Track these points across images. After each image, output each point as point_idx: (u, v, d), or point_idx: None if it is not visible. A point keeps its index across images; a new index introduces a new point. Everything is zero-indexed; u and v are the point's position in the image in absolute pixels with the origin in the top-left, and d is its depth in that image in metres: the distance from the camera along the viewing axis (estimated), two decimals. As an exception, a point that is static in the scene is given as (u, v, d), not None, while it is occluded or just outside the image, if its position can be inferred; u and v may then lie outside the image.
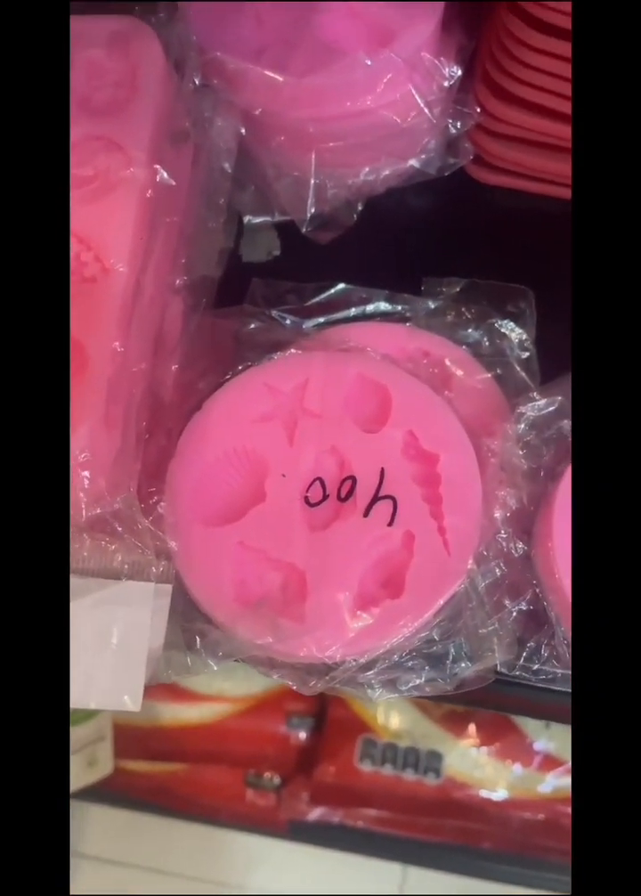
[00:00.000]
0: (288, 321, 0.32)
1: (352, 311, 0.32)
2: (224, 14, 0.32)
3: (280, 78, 0.30)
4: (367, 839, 0.63)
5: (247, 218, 0.33)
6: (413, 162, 0.32)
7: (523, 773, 0.62)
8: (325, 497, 0.26)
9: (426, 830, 0.63)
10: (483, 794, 0.63)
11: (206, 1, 0.32)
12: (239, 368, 0.29)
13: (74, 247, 0.26)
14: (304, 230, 0.32)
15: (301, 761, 0.65)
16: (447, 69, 0.31)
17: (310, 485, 0.26)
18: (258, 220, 0.34)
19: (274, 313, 0.32)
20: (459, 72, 0.31)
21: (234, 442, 0.27)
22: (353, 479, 0.26)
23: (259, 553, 0.25)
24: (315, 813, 0.64)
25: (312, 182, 0.32)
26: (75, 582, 0.22)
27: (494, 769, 0.64)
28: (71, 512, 0.23)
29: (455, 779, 0.65)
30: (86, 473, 0.23)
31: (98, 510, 0.23)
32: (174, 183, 0.27)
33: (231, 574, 0.25)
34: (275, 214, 0.34)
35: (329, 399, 0.28)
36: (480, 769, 0.64)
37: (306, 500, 0.26)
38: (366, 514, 0.26)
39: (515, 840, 0.63)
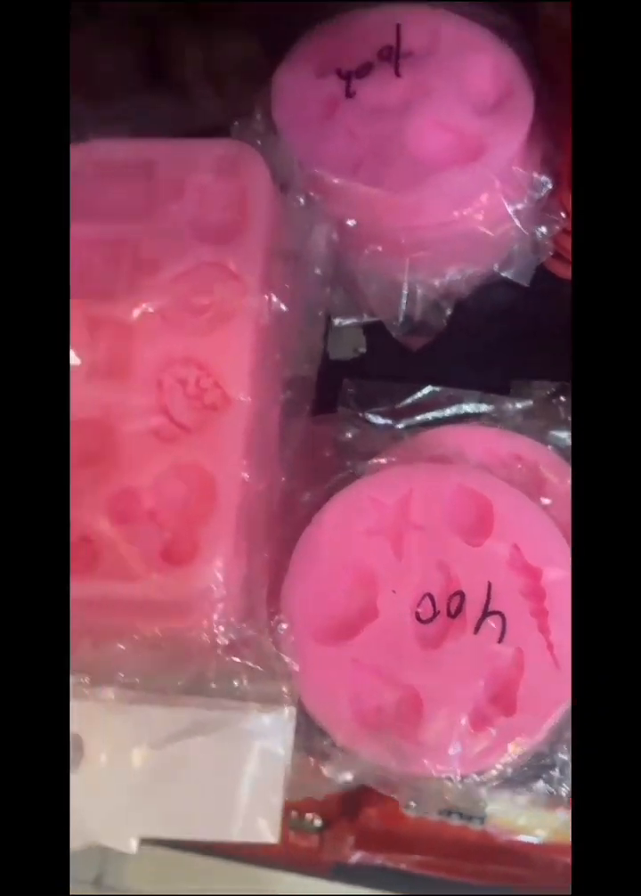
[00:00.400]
0: (380, 422, 0.33)
1: (443, 412, 0.33)
2: (319, 130, 0.33)
3: (377, 193, 0.32)
4: (410, 882, 0.63)
5: (336, 320, 0.35)
6: (498, 267, 0.34)
7: (567, 818, 0.63)
8: (435, 614, 0.27)
9: (470, 874, 0.64)
10: (527, 839, 0.63)
11: (298, 114, 0.34)
12: (340, 476, 0.31)
13: (194, 372, 0.27)
14: (394, 334, 0.33)
15: (345, 804, 0.65)
16: (536, 180, 0.32)
17: (420, 601, 0.27)
18: (347, 321, 0.35)
19: (367, 415, 0.33)
20: (550, 184, 0.32)
21: (344, 557, 0.28)
22: (462, 594, 0.27)
23: (374, 671, 0.26)
24: (358, 856, 0.65)
25: (404, 288, 0.33)
26: (208, 713, 0.23)
27: (538, 816, 0.64)
28: (205, 640, 0.24)
29: (499, 825, 0.65)
30: (220, 605, 0.24)
31: (230, 638, 0.24)
32: (285, 309, 0.28)
33: (349, 693, 0.26)
34: (364, 315, 0.35)
35: (433, 511, 0.29)
36: (524, 815, 0.64)
37: (417, 616, 0.27)
38: (476, 630, 0.27)
39: (558, 885, 0.63)
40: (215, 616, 0.24)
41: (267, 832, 0.22)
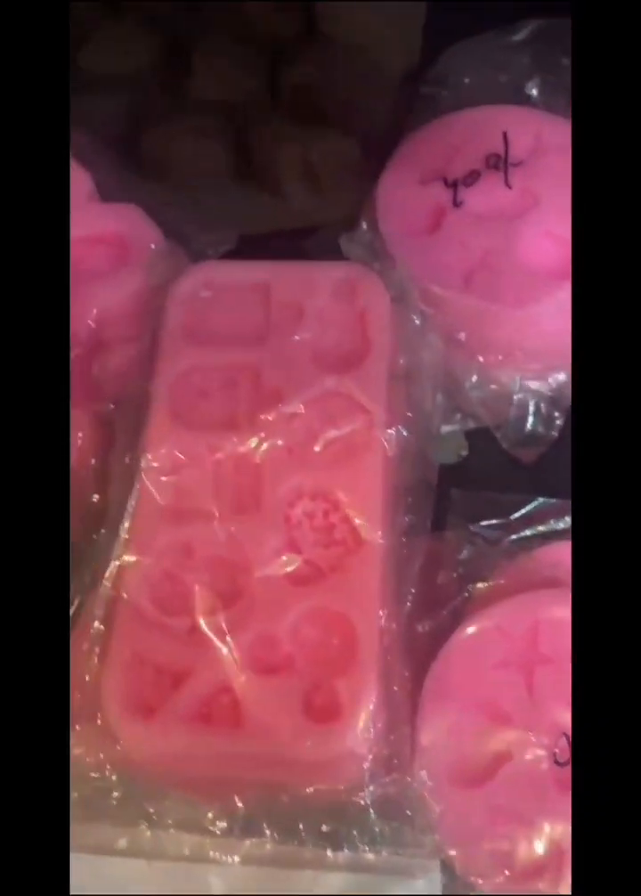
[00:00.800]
0: (491, 536, 0.32)
1: (555, 526, 0.33)
2: (428, 242, 0.32)
3: (492, 307, 0.31)
4: None
5: (444, 428, 0.34)
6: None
7: None
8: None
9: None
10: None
11: (405, 224, 0.33)
12: (457, 601, 0.30)
13: (321, 506, 0.27)
14: (506, 446, 0.33)
15: None
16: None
17: (557, 741, 0.27)
18: (450, 428, 0.35)
19: (477, 528, 0.33)
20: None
21: (475, 694, 0.27)
22: (598, 733, 0.27)
23: (513, 815, 0.26)
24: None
25: (515, 397, 0.33)
26: (359, 878, 0.22)
27: None
28: (349, 797, 0.23)
29: None
30: (369, 755, 0.23)
31: (374, 793, 0.23)
32: (411, 437, 0.28)
33: (489, 839, 0.25)
34: (469, 421, 0.35)
35: (560, 643, 0.28)
36: None
37: (555, 758, 0.27)
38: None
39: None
40: (361, 774, 0.24)
41: None
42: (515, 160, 0.33)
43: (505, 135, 0.34)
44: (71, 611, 0.30)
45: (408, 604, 0.29)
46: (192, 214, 0.37)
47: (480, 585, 0.30)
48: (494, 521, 0.33)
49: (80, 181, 0.36)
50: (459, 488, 0.33)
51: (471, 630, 0.28)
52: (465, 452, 0.36)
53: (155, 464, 0.27)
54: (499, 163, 0.33)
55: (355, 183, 0.38)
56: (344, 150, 0.38)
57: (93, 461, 0.32)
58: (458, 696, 0.27)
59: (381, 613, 0.25)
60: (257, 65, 0.43)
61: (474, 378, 0.34)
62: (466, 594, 0.30)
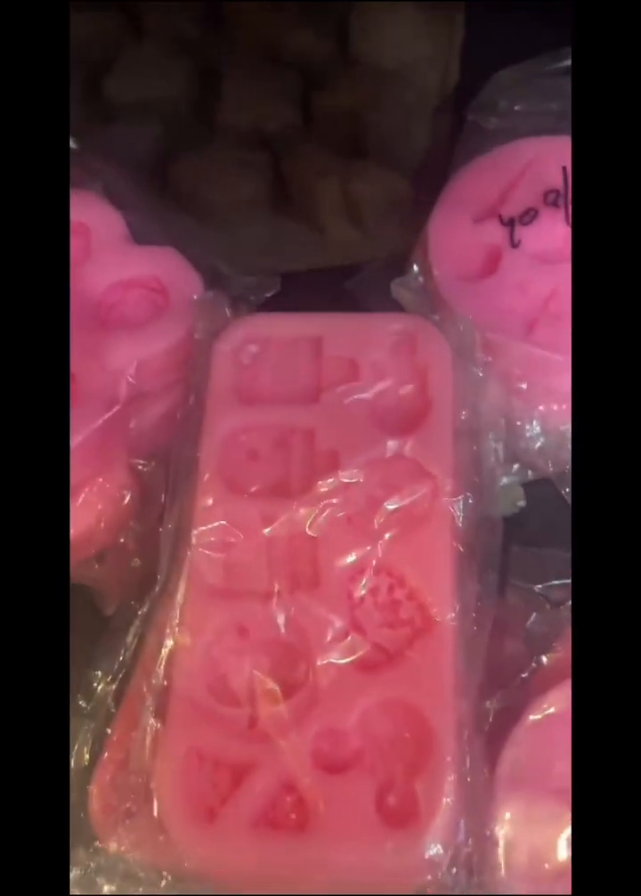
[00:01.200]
0: (555, 597, 0.31)
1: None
2: (486, 287, 0.31)
3: (556, 357, 0.30)
4: None
5: (503, 480, 0.33)
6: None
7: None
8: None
9: None
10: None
11: (459, 267, 0.32)
12: (526, 674, 0.28)
13: (385, 581, 0.25)
14: (563, 493, 0.31)
15: None
16: None
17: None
18: (508, 479, 0.33)
19: (541, 588, 0.31)
20: None
21: (553, 779, 0.25)
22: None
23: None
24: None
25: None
26: None
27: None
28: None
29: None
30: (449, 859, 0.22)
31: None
32: (477, 501, 0.26)
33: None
34: (528, 472, 0.33)
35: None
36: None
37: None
38: None
39: None
40: (440, 879, 0.22)
41: None
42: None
43: (564, 169, 0.32)
44: (110, 689, 0.28)
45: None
46: (229, 250, 0.35)
47: (550, 655, 0.29)
48: (560, 581, 0.31)
49: (113, 223, 0.34)
50: (521, 544, 0.32)
51: (544, 711, 0.27)
52: (522, 503, 0.35)
53: (206, 539, 0.25)
54: (559, 199, 0.32)
55: (399, 217, 0.37)
56: (386, 183, 0.36)
57: (134, 524, 0.31)
58: (535, 783, 0.25)
59: (458, 703, 0.23)
60: (290, 91, 0.41)
61: (536, 427, 0.32)
62: (535, 665, 0.29)
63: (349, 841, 0.22)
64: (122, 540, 0.30)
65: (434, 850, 0.21)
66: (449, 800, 0.22)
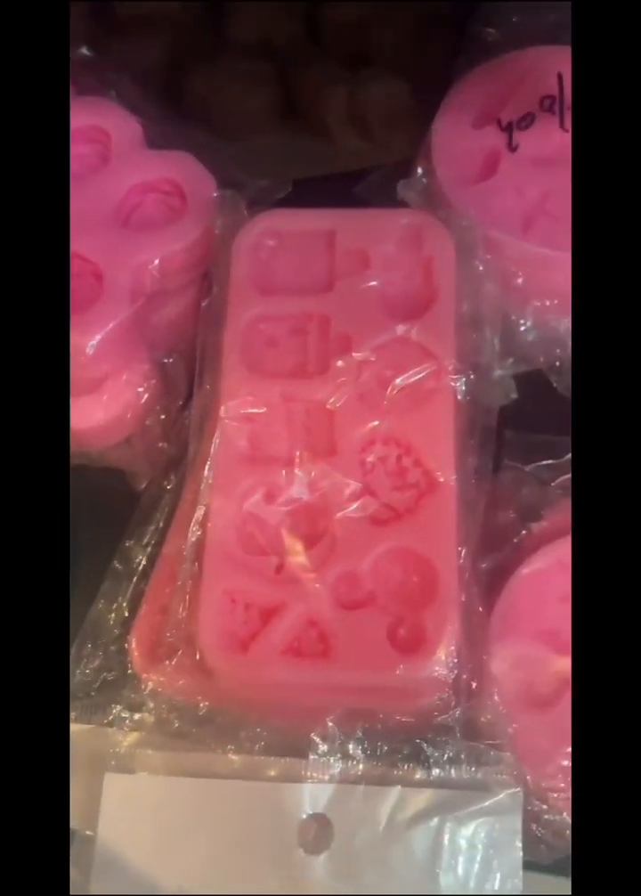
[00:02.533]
0: (546, 476, 0.33)
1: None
2: (485, 188, 0.33)
3: (551, 253, 0.32)
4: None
5: (497, 372, 0.35)
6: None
7: None
8: None
9: None
10: None
11: (461, 170, 0.33)
12: (517, 539, 0.31)
13: (394, 451, 0.28)
14: (560, 389, 0.34)
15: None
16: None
17: (618, 667, 0.28)
18: (501, 372, 0.35)
19: (532, 468, 0.34)
20: None
21: (539, 626, 0.29)
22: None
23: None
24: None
25: (569, 341, 0.33)
26: (441, 794, 0.24)
27: None
28: (432, 720, 0.25)
29: None
30: (451, 681, 0.25)
31: (460, 712, 0.25)
32: (475, 380, 0.29)
33: (557, 759, 0.27)
34: (521, 364, 0.35)
35: (620, 575, 0.29)
36: None
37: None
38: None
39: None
40: (444, 699, 0.25)
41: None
42: (570, 103, 0.33)
43: (560, 76, 0.33)
44: (144, 553, 0.31)
45: (470, 543, 0.31)
46: (239, 160, 0.37)
47: (538, 523, 0.32)
48: (548, 461, 0.34)
49: (130, 128, 0.36)
50: (513, 430, 0.34)
51: (534, 566, 0.30)
52: (514, 395, 0.37)
53: (233, 411, 0.28)
54: (555, 105, 0.33)
55: (405, 125, 0.38)
56: (392, 92, 0.38)
57: (159, 410, 0.34)
58: (524, 629, 0.29)
59: (460, 551, 0.26)
60: (296, 7, 0.42)
61: (529, 322, 0.34)
62: (525, 532, 0.32)
63: (366, 666, 0.25)
64: (148, 423, 0.33)
65: (440, 671, 0.25)
66: (452, 627, 0.25)
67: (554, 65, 0.34)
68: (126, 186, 0.34)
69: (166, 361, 0.34)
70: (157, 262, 0.32)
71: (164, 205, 0.35)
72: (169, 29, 0.41)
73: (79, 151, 0.36)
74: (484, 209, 0.32)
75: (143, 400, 0.33)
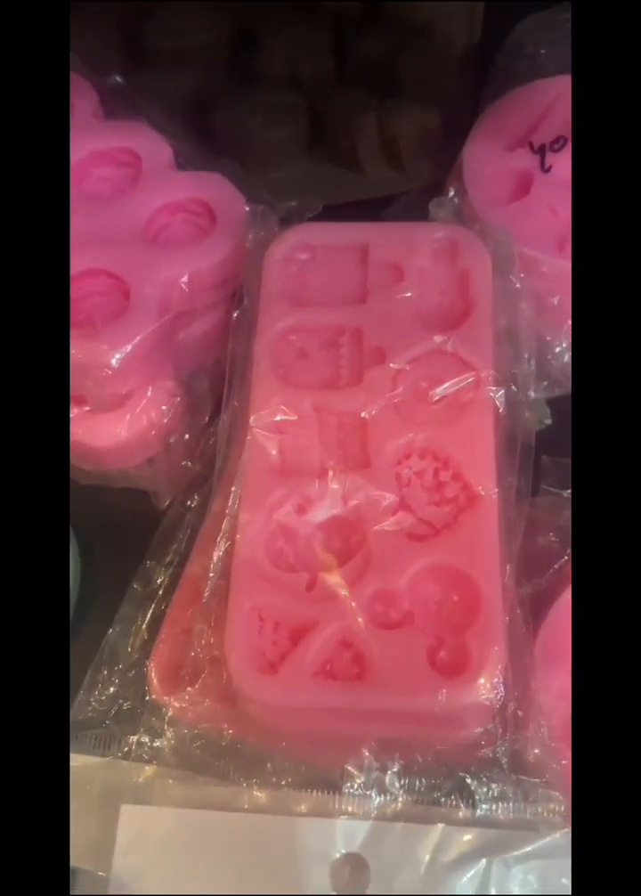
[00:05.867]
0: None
1: None
2: (519, 208, 0.33)
3: (587, 272, 0.31)
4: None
5: (531, 393, 0.34)
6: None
7: None
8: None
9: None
10: None
11: (493, 192, 0.33)
12: (560, 563, 0.30)
13: (431, 465, 0.27)
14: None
15: None
16: None
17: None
18: (537, 394, 0.34)
19: (568, 494, 0.32)
20: None
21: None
22: None
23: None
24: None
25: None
26: (486, 834, 0.22)
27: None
28: (479, 752, 0.23)
29: None
30: (495, 716, 0.23)
31: (506, 743, 0.23)
32: (517, 395, 0.28)
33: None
34: (555, 389, 0.34)
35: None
36: None
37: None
38: None
39: None
40: (489, 729, 0.23)
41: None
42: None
43: (592, 101, 0.34)
44: (166, 574, 0.30)
45: (512, 568, 0.29)
46: (270, 188, 0.37)
47: (580, 548, 0.30)
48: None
49: (161, 150, 0.36)
50: (549, 455, 0.33)
51: (579, 590, 0.28)
52: (549, 421, 0.36)
53: (263, 421, 0.27)
54: (587, 128, 0.34)
55: (434, 153, 0.38)
56: (421, 120, 0.38)
57: (183, 428, 0.33)
58: (570, 658, 0.27)
59: (505, 568, 0.25)
60: (323, 42, 0.43)
61: (564, 344, 0.34)
62: (567, 558, 0.30)
63: (405, 689, 0.23)
64: (172, 441, 0.32)
65: (485, 696, 0.23)
66: (498, 650, 0.23)
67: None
68: (155, 205, 0.34)
69: (191, 378, 0.33)
70: (186, 278, 0.32)
71: (193, 225, 0.35)
72: (199, 63, 0.42)
73: (109, 173, 0.36)
74: (518, 228, 0.32)
75: (168, 418, 0.33)
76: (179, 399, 0.32)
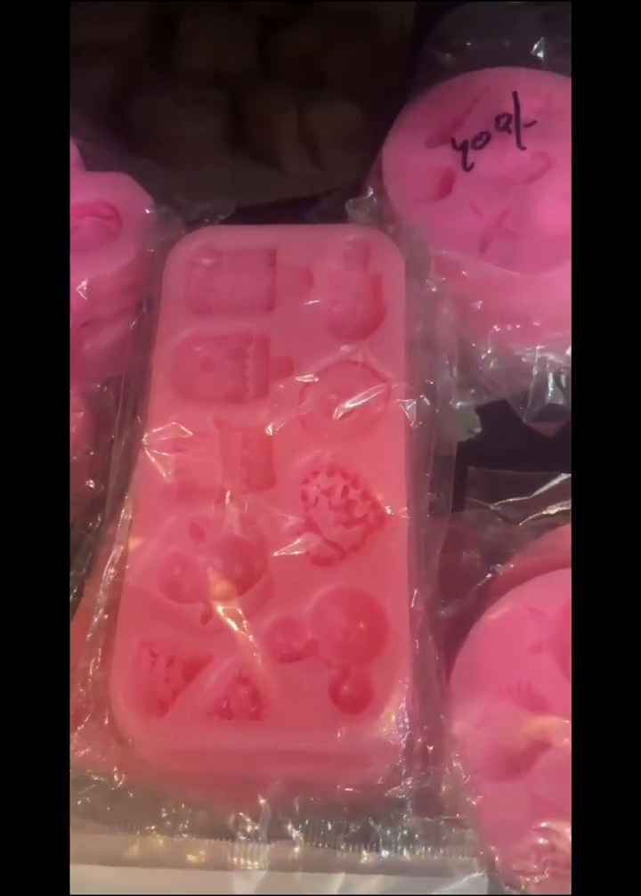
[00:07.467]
0: (513, 515, 0.31)
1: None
2: (439, 207, 0.31)
3: (510, 274, 0.30)
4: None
5: (456, 403, 0.33)
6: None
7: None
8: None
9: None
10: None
11: (414, 190, 0.32)
12: (483, 582, 0.28)
13: (339, 482, 0.25)
14: (525, 420, 0.32)
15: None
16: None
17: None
18: (462, 403, 0.33)
19: (497, 507, 0.31)
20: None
21: (508, 678, 0.25)
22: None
23: (556, 808, 0.24)
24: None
25: (534, 369, 0.31)
26: (392, 881, 0.20)
27: None
28: (382, 792, 0.22)
29: None
30: (403, 746, 0.21)
31: (412, 782, 0.21)
32: (430, 405, 0.26)
33: (530, 834, 0.24)
34: (483, 396, 0.33)
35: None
36: None
37: (595, 744, 0.25)
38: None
39: None
40: (395, 767, 0.22)
41: None
42: (526, 122, 0.32)
43: (515, 95, 0.32)
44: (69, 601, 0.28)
45: (430, 587, 0.28)
46: (188, 187, 0.35)
47: (505, 566, 0.29)
48: (515, 499, 0.32)
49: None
50: (477, 466, 0.32)
51: (501, 611, 0.26)
52: (477, 429, 0.35)
53: (158, 439, 0.25)
54: (510, 124, 0.32)
55: (357, 150, 0.37)
56: (343, 114, 0.36)
57: (86, 445, 0.31)
58: (490, 682, 0.25)
59: (412, 592, 0.23)
60: (246, 35, 0.41)
61: (490, 350, 0.32)
62: (491, 575, 0.29)
63: (304, 727, 0.22)
64: (75, 459, 0.30)
65: (389, 733, 0.21)
66: (403, 682, 0.22)
67: (509, 85, 0.33)
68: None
69: (95, 392, 0.32)
70: (84, 284, 0.30)
71: (102, 229, 0.33)
72: (117, 57, 0.40)
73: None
74: (438, 229, 0.30)
75: (72, 433, 0.31)
76: (82, 414, 0.30)
